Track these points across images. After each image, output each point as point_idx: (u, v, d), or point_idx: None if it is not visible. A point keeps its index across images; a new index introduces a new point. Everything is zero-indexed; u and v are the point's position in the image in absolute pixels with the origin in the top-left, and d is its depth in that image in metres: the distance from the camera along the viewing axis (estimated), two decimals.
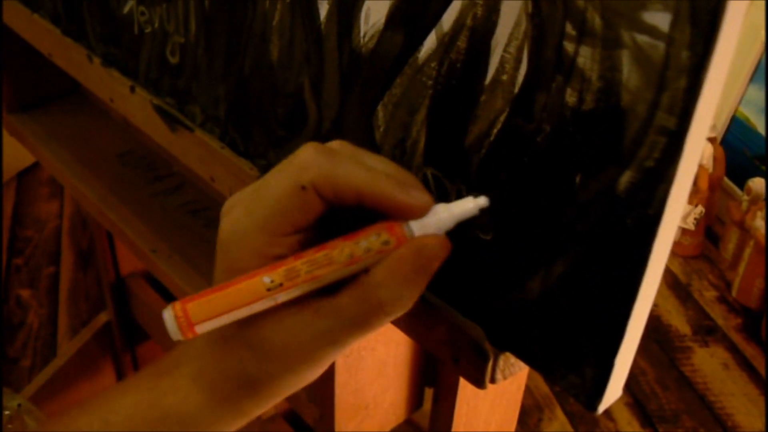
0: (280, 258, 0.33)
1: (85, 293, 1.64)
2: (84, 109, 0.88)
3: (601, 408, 0.35)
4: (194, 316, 0.32)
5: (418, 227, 0.33)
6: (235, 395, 0.36)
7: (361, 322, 0.33)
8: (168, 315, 0.32)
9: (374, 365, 0.58)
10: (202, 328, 0.32)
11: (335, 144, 0.35)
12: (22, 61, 0.85)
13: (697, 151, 0.28)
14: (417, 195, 0.33)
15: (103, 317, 1.19)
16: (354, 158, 0.33)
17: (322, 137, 0.43)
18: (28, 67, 0.86)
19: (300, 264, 0.32)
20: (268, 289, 0.32)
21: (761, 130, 1.72)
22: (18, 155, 1.89)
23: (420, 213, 0.33)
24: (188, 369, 0.36)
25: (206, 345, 0.36)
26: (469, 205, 0.34)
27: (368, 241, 0.32)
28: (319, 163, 0.32)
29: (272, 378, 0.35)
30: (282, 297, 0.33)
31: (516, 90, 0.32)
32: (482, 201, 0.34)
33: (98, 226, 1.02)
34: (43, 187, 1.95)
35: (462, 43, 0.33)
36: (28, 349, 1.51)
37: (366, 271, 0.33)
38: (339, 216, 0.35)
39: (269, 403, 0.37)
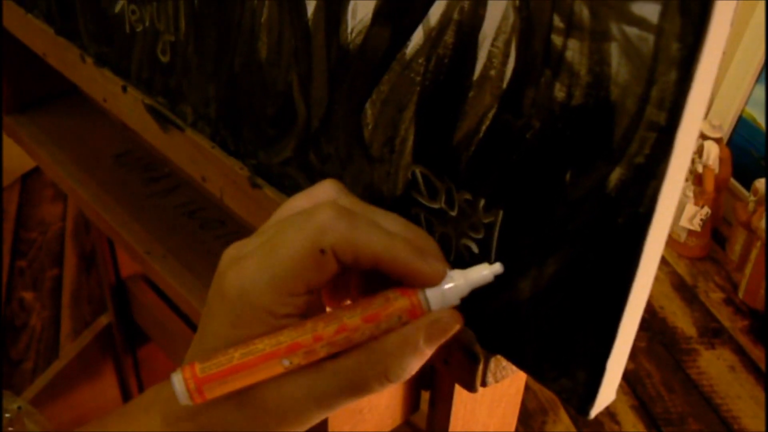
0: (287, 317, 0.32)
1: (88, 295, 1.64)
2: (81, 110, 0.88)
3: (594, 412, 0.34)
4: (208, 391, 0.32)
5: (433, 296, 0.33)
6: None
7: (361, 386, 0.33)
8: (179, 384, 0.32)
9: None
10: (212, 395, 0.32)
11: (350, 203, 0.34)
12: (19, 62, 0.84)
13: (688, 147, 0.27)
14: (434, 264, 0.33)
15: (103, 319, 1.19)
16: (372, 222, 0.33)
17: (311, 136, 0.42)
18: (26, 68, 0.85)
19: (320, 347, 0.32)
20: (286, 368, 0.32)
21: None
22: (22, 157, 1.89)
23: (436, 281, 0.33)
24: (159, 418, 0.34)
25: None
26: (485, 272, 0.34)
27: (389, 322, 0.32)
28: (339, 227, 0.31)
29: None
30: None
31: (504, 85, 0.31)
32: (497, 267, 0.34)
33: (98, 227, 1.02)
34: (46, 189, 1.96)
35: (449, 37, 0.33)
36: (30, 352, 1.50)
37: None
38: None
39: None
